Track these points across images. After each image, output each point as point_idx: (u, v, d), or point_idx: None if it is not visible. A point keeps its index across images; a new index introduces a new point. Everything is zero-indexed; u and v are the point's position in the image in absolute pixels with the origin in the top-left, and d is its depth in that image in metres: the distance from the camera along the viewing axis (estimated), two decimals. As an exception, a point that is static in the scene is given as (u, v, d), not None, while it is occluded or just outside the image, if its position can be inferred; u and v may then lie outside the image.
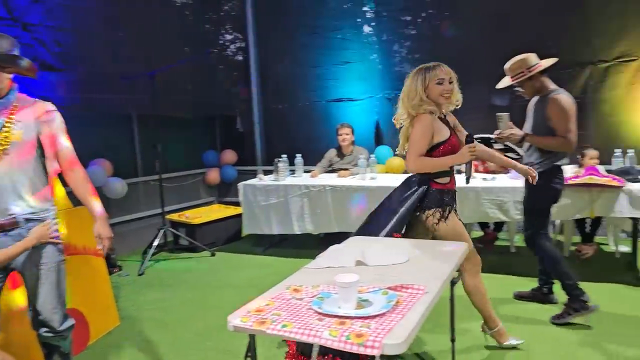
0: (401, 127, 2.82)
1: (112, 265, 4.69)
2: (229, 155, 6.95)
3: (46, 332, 2.31)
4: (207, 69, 6.73)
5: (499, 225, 5.10)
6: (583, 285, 3.22)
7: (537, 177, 3.02)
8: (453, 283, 2.43)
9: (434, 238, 2.73)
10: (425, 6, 6.08)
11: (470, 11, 5.79)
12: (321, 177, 5.17)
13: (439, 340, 3.03)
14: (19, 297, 2.59)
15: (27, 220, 2.21)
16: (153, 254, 5.03)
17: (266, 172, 5.67)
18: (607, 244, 4.88)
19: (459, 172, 2.77)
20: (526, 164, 3.16)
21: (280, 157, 5.28)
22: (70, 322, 2.39)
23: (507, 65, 3.38)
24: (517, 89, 3.51)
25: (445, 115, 2.79)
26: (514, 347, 2.93)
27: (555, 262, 3.31)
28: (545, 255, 3.36)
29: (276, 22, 6.82)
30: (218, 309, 3.78)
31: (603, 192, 3.83)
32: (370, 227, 2.82)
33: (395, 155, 5.54)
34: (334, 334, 1.48)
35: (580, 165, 4.50)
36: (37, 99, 2.32)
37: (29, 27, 4.53)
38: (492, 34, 5.49)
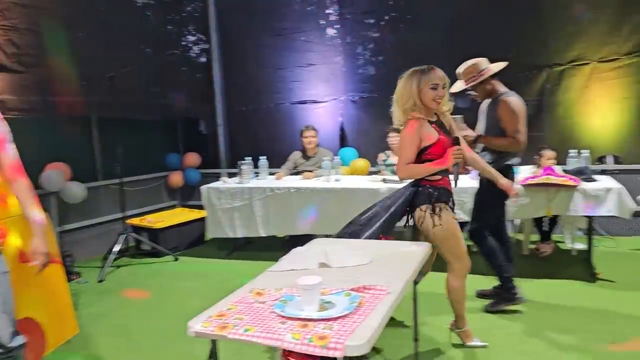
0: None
1: (70, 272, 4.56)
2: (192, 158, 6.84)
3: None
4: (169, 71, 6.62)
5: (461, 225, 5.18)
6: (542, 282, 3.33)
7: (518, 197, 3.14)
8: (416, 283, 2.46)
9: (426, 238, 2.75)
10: (388, 9, 6.15)
11: (431, 15, 5.89)
12: (286, 179, 5.16)
13: (403, 340, 3.06)
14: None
15: None
16: (114, 260, 4.91)
17: (230, 175, 5.61)
18: (564, 242, 5.04)
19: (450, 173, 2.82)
20: None
21: (244, 160, 5.24)
22: (21, 339, 2.27)
23: (459, 70, 3.49)
24: (469, 92, 3.60)
25: (438, 118, 2.81)
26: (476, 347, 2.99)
27: (493, 256, 3.50)
28: (485, 248, 3.52)
29: (240, 23, 6.77)
30: (181, 315, 3.67)
31: (559, 191, 3.95)
32: (351, 227, 2.88)
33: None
34: (296, 336, 1.48)
35: (538, 166, 4.63)
36: None
37: (-18, 27, 4.37)
38: (453, 37, 5.60)
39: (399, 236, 3.05)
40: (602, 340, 2.98)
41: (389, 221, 2.79)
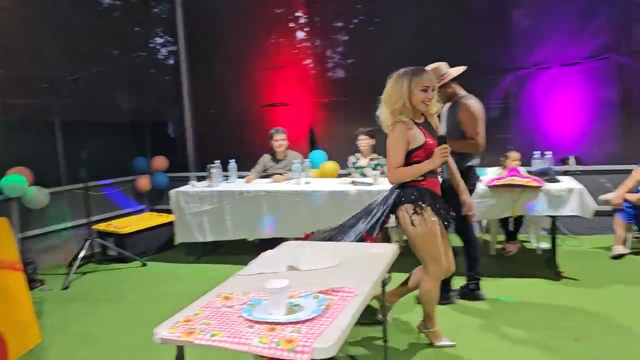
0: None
1: (32, 280, 4.43)
2: (160, 162, 6.74)
3: None
4: (136, 73, 6.51)
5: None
6: (509, 281, 3.39)
7: (473, 216, 3.27)
8: (384, 284, 2.47)
9: (408, 240, 2.79)
10: (356, 13, 6.19)
11: (399, 19, 5.96)
12: (256, 183, 5.13)
13: (372, 341, 3.08)
14: None
15: None
16: (79, 266, 4.79)
17: (199, 179, 5.56)
18: (529, 242, 5.15)
19: (437, 174, 2.87)
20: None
21: (214, 163, 5.19)
22: None
23: None
24: None
25: (425, 119, 2.84)
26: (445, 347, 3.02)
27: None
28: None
29: (208, 25, 6.72)
30: (149, 321, 3.61)
31: (524, 192, 4.03)
32: (334, 230, 2.94)
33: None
34: (263, 340, 1.47)
35: (504, 167, 4.74)
36: None
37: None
38: (421, 41, 5.68)
39: (384, 238, 3.08)
40: (567, 336, 3.05)
41: (372, 222, 2.83)
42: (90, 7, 5.90)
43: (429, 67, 3.49)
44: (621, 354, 2.82)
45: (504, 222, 4.89)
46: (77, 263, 4.74)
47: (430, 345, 3.02)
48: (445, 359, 2.88)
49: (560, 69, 5.52)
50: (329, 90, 6.35)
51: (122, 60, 6.24)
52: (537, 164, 4.71)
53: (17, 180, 4.58)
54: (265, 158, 5.47)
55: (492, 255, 4.87)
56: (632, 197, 4.54)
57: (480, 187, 4.06)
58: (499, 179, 4.15)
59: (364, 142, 5.13)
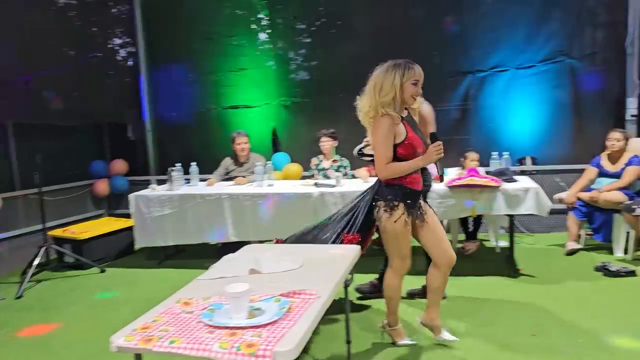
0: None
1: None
2: (119, 165, 6.58)
3: None
4: (94, 74, 6.34)
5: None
6: (468, 279, 3.45)
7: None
8: (347, 285, 2.48)
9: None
10: (318, 15, 6.20)
11: (361, 21, 6.02)
12: (218, 185, 5.07)
13: (335, 343, 3.08)
14: None
15: None
16: (34, 274, 4.62)
17: (160, 182, 5.44)
18: (488, 240, 5.27)
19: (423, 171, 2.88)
20: None
21: (174, 166, 5.10)
22: None
23: None
24: None
25: (409, 113, 2.83)
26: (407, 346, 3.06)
27: None
28: None
29: (168, 26, 6.60)
30: (108, 329, 3.53)
31: (483, 192, 4.13)
32: (313, 231, 2.97)
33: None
34: (224, 346, 1.45)
35: (463, 168, 4.83)
36: None
37: None
38: (381, 43, 5.74)
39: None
40: (524, 331, 3.14)
41: (352, 220, 2.86)
42: (44, 6, 5.70)
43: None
44: (574, 347, 2.92)
45: (463, 221, 4.99)
46: (31, 271, 4.57)
47: (393, 344, 3.05)
48: (405, 358, 2.91)
49: (516, 72, 5.68)
50: (291, 92, 6.34)
51: (78, 61, 6.05)
52: (495, 165, 4.83)
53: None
54: (227, 161, 5.41)
55: (453, 254, 4.95)
56: (585, 195, 4.71)
57: (441, 187, 4.13)
58: (458, 179, 4.23)
59: (327, 144, 5.15)
